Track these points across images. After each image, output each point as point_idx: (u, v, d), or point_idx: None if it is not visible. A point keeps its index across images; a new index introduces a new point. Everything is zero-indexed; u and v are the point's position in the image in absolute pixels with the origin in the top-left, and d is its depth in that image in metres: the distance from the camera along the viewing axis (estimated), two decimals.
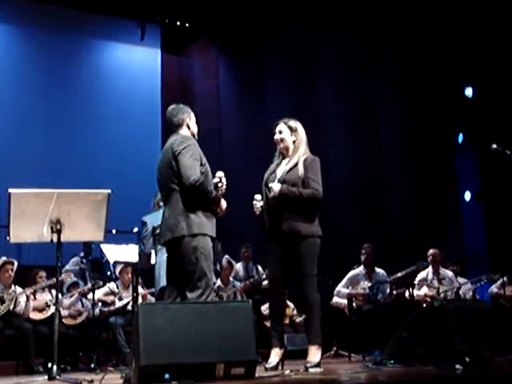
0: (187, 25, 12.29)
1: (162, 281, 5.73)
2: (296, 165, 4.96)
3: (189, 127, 4.73)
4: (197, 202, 4.51)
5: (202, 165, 4.55)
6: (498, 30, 10.22)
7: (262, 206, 4.98)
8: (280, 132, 5.09)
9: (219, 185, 4.58)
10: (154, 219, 5.91)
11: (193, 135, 4.74)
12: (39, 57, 11.36)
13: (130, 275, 7.40)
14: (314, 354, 4.79)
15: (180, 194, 4.52)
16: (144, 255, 6.05)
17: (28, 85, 11.15)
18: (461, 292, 8.34)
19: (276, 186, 4.85)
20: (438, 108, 11.24)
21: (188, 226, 4.45)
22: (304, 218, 4.86)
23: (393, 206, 11.41)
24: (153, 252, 6.26)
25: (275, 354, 4.88)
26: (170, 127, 4.76)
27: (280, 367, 4.85)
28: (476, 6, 10.28)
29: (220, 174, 4.60)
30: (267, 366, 4.79)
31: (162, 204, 5.62)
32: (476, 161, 11.30)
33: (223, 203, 4.66)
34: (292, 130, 5.08)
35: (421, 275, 8.23)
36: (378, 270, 7.97)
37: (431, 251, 8.33)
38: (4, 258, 7.35)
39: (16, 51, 11.37)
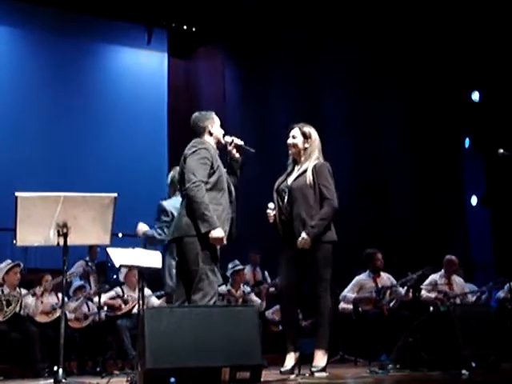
0: (194, 29, 12.30)
1: (168, 281, 5.70)
2: (305, 171, 4.93)
3: (211, 134, 4.75)
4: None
5: (212, 168, 4.55)
6: (505, 35, 10.21)
7: (275, 214, 4.97)
8: (293, 137, 5.05)
9: (230, 147, 4.75)
10: (172, 205, 5.75)
11: (217, 140, 4.76)
12: (46, 60, 11.38)
13: (136, 278, 7.41)
14: (321, 358, 4.79)
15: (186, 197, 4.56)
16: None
17: (34, 88, 11.17)
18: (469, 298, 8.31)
19: (305, 237, 4.75)
20: (445, 112, 11.25)
21: (192, 226, 4.44)
22: None
23: (398, 210, 11.40)
24: (159, 254, 6.23)
25: (290, 358, 4.88)
26: (192, 133, 4.78)
27: (296, 371, 4.85)
28: (483, 12, 10.28)
29: (228, 138, 4.79)
30: (282, 369, 4.82)
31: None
32: (482, 166, 11.30)
33: (218, 233, 4.44)
34: (306, 136, 5.02)
35: (432, 278, 8.20)
36: (383, 274, 7.95)
37: (449, 257, 8.26)
38: (9, 261, 7.37)
39: (22, 54, 11.40)
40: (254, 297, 8.50)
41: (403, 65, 11.40)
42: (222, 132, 4.82)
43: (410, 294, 7.72)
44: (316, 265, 4.81)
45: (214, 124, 4.78)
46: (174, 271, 5.54)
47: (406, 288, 7.73)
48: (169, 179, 5.90)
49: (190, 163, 4.52)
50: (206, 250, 4.45)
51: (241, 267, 8.50)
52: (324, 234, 4.84)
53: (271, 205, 4.99)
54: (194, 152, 4.55)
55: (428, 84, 11.28)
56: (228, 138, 4.80)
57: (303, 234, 4.77)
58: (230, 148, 4.80)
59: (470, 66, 11.00)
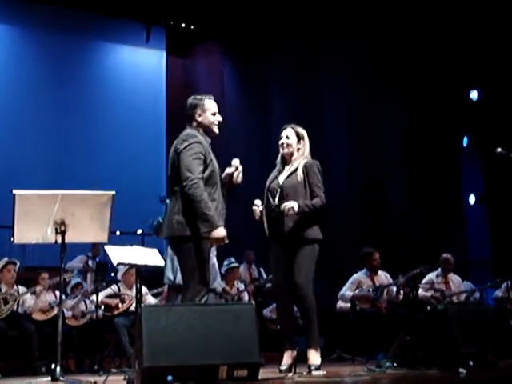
0: (192, 27, 12.29)
1: (168, 273, 5.73)
2: (296, 170, 4.97)
3: (199, 121, 4.57)
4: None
5: (205, 163, 4.43)
6: (503, 34, 10.22)
7: (261, 211, 4.96)
8: (287, 137, 5.07)
9: (235, 174, 4.58)
10: None
11: (206, 127, 4.58)
12: (44, 58, 11.36)
13: (134, 276, 7.39)
14: (315, 356, 4.81)
15: (180, 194, 4.43)
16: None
17: (32, 86, 11.16)
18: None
19: (294, 205, 4.76)
20: (443, 111, 11.25)
21: (185, 227, 4.37)
22: (305, 223, 4.86)
23: (396, 209, 11.42)
24: (157, 251, 6.25)
25: (288, 356, 4.90)
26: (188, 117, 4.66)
27: (293, 369, 4.87)
28: (481, 10, 10.28)
29: (235, 161, 4.60)
30: (281, 367, 4.84)
31: None
32: (480, 164, 11.30)
33: (220, 233, 4.35)
34: (299, 136, 5.06)
35: (428, 277, 8.21)
36: (380, 272, 7.96)
37: (445, 256, 8.29)
38: (6, 259, 7.37)
39: (20, 52, 11.38)
40: (246, 295, 8.51)
41: (402, 65, 11.40)
42: (216, 119, 4.62)
43: (401, 296, 7.70)
44: (300, 264, 4.82)
45: (202, 112, 4.58)
46: (176, 264, 5.59)
47: (395, 289, 7.72)
48: None
49: (184, 159, 4.36)
50: (196, 249, 4.38)
51: (235, 265, 8.49)
52: (310, 232, 4.88)
53: (258, 201, 4.98)
54: (186, 147, 4.39)
55: (427, 83, 11.28)
56: (236, 163, 4.62)
57: (294, 202, 4.77)
58: (235, 173, 4.62)
59: (469, 65, 11.00)
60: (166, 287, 6.59)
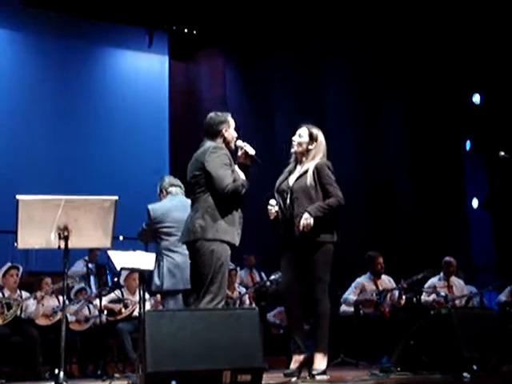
0: (195, 32, 12.31)
1: (155, 279, 5.70)
2: (306, 172, 4.90)
3: (224, 138, 4.73)
4: (222, 208, 4.53)
5: (232, 171, 4.60)
6: (505, 38, 10.22)
7: (276, 211, 4.93)
8: (300, 136, 5.02)
9: (247, 149, 4.69)
10: (156, 209, 5.74)
11: (228, 143, 4.74)
12: (47, 64, 11.39)
13: (137, 281, 7.37)
14: (321, 361, 4.76)
15: (204, 200, 4.55)
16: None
17: (35, 92, 11.18)
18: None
19: (308, 219, 4.71)
20: (446, 115, 11.25)
21: (206, 230, 4.47)
22: (319, 225, 4.77)
23: (400, 212, 11.40)
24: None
25: (295, 361, 4.85)
26: (205, 132, 4.78)
27: (299, 373, 4.82)
28: (483, 14, 10.29)
29: (239, 142, 4.74)
30: (285, 372, 4.79)
31: (170, 190, 5.76)
32: (483, 168, 11.29)
33: (249, 150, 4.68)
34: (312, 137, 4.98)
35: (431, 281, 8.20)
36: (383, 276, 7.95)
37: (447, 259, 8.29)
38: (9, 264, 7.38)
39: (22, 58, 11.40)
40: (247, 300, 8.51)
41: (405, 68, 11.41)
42: (235, 135, 4.79)
43: (402, 301, 7.67)
44: (315, 266, 4.78)
45: (228, 128, 4.76)
46: (163, 270, 5.57)
47: (397, 294, 7.69)
48: (158, 186, 5.99)
49: (218, 171, 4.51)
50: (221, 254, 4.48)
51: (232, 267, 8.48)
52: (325, 234, 4.82)
53: (273, 201, 4.94)
54: (216, 157, 4.55)
55: (429, 87, 11.28)
56: (240, 143, 4.75)
57: (305, 214, 4.72)
58: (239, 153, 4.74)
59: (471, 69, 11.00)
60: (158, 296, 6.59)
